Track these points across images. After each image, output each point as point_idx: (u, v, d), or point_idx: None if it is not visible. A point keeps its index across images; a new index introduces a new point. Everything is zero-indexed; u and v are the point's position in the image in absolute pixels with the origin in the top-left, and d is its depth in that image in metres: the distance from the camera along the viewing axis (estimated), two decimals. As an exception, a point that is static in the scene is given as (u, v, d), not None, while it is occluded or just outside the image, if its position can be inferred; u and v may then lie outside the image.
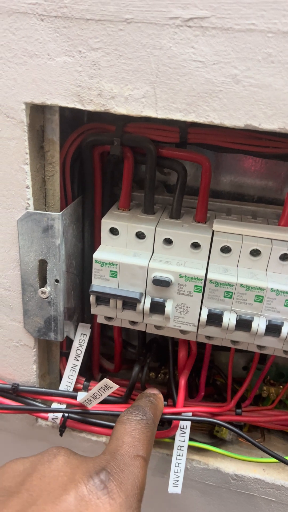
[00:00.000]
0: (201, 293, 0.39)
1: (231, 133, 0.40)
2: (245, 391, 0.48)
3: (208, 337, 0.43)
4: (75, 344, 0.48)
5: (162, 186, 0.49)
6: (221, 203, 0.46)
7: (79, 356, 0.48)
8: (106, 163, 0.43)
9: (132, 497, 0.27)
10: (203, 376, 0.48)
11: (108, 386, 0.40)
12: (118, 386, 0.39)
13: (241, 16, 0.29)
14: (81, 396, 0.45)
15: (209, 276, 0.38)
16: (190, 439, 0.47)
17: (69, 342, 0.48)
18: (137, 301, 0.40)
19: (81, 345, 0.48)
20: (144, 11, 0.30)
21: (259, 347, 0.42)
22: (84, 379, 0.49)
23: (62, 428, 0.46)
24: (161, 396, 0.40)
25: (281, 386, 0.50)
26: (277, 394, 0.49)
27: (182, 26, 0.30)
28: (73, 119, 0.42)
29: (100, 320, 0.45)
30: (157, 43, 0.31)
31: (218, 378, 0.54)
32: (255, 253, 0.39)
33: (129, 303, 0.40)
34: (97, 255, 0.40)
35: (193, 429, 0.49)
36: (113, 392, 0.46)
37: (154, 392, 0.40)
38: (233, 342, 0.42)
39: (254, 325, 0.39)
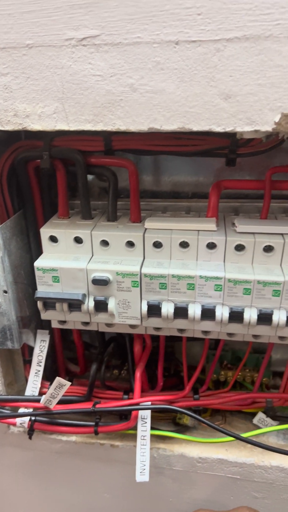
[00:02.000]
0: (139, 288, 0.42)
1: (151, 137, 0.43)
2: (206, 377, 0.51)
3: (156, 329, 0.45)
4: (36, 351, 0.50)
5: (104, 192, 0.52)
6: (158, 202, 0.49)
7: (41, 362, 0.50)
8: (41, 176, 0.46)
9: None
10: (160, 367, 0.51)
11: (61, 384, 0.42)
12: (70, 383, 0.42)
13: (127, 31, 0.32)
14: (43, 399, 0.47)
15: (143, 270, 0.41)
16: (154, 428, 0.49)
17: (31, 349, 0.51)
18: (81, 302, 0.42)
19: (41, 351, 0.50)
20: (42, 36, 0.33)
21: (204, 332, 0.45)
22: (49, 383, 0.51)
23: (31, 431, 0.48)
24: None
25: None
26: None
27: (77, 45, 0.33)
28: (7, 139, 0.45)
29: (54, 324, 0.47)
30: (58, 63, 0.34)
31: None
32: (184, 245, 0.42)
33: (74, 304, 0.43)
34: (38, 263, 0.42)
35: (156, 419, 0.51)
36: (75, 392, 0.49)
37: None
38: (179, 330, 0.45)
39: (190, 312, 0.41)
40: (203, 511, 0.30)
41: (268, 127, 0.33)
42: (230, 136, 0.42)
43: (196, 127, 0.34)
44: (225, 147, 0.42)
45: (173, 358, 0.56)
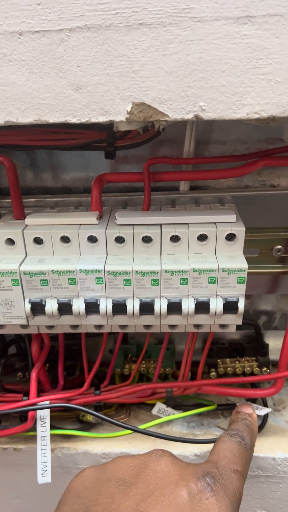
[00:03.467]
0: (20, 286, 0.41)
1: (27, 132, 0.42)
2: (113, 372, 0.51)
3: (48, 327, 0.45)
4: None
5: (-5, 191, 0.51)
6: (49, 198, 0.49)
7: None
8: None
9: (235, 503, 0.29)
10: (60, 366, 0.50)
11: None
12: None
13: None
14: None
15: (22, 268, 0.40)
16: (59, 428, 0.48)
17: None
18: None
19: None
20: None
21: (96, 326, 0.44)
22: None
23: None
24: (255, 416, 0.42)
25: (143, 362, 0.53)
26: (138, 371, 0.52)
27: None
28: None
29: None
30: None
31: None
32: (66, 239, 0.41)
33: None
34: None
35: (60, 418, 0.51)
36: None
37: (249, 412, 0.42)
38: (72, 327, 0.45)
39: (74, 307, 0.41)
40: (122, 458, 0.32)
41: (122, 117, 0.33)
42: (107, 129, 0.42)
43: (51, 119, 0.33)
44: (103, 140, 0.42)
45: (78, 357, 0.55)
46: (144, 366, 0.52)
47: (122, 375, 0.53)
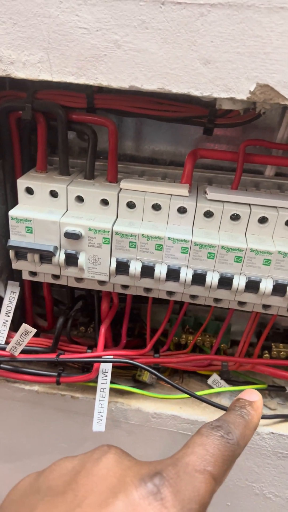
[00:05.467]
0: (110, 245, 0.43)
1: (134, 99, 0.44)
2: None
3: (124, 287, 0.47)
4: (5, 302, 0.51)
5: (83, 152, 0.53)
6: (136, 166, 0.51)
7: (9, 312, 0.51)
8: (23, 129, 0.46)
9: (192, 510, 0.23)
10: (125, 326, 0.53)
11: (27, 331, 0.44)
12: (36, 330, 0.43)
13: (115, -14, 0.33)
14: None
15: (115, 228, 0.42)
16: (115, 383, 0.51)
17: (0, 300, 0.52)
18: (52, 253, 0.43)
19: (11, 302, 0.51)
20: (32, -18, 0.34)
21: (168, 293, 0.47)
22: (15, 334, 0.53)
23: (-5, 377, 0.50)
24: (260, 404, 0.33)
25: (200, 335, 0.55)
26: (194, 341, 0.54)
27: (66, -5, 0.34)
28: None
29: (25, 276, 0.48)
30: (46, 12, 0.34)
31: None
32: (156, 207, 0.43)
33: (45, 256, 0.44)
34: (13, 212, 0.43)
35: (117, 375, 0.54)
36: (41, 343, 0.50)
37: (252, 400, 0.33)
38: (145, 290, 0.47)
39: (156, 272, 0.43)
40: (62, 460, 0.27)
41: (243, 96, 0.34)
42: (209, 106, 0.44)
43: (175, 89, 0.35)
44: (204, 116, 0.44)
45: (138, 320, 0.58)
46: (200, 338, 0.55)
47: (178, 344, 0.56)
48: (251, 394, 0.33)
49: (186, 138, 0.51)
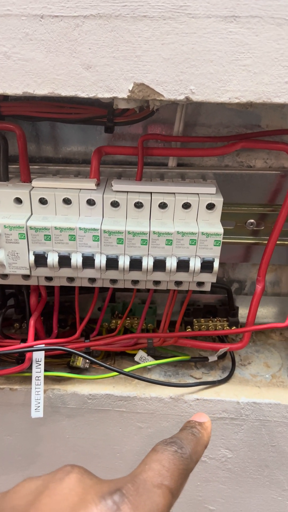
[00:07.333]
0: (26, 240, 0.46)
1: (37, 104, 0.47)
2: (101, 327, 0.57)
3: (47, 279, 0.51)
4: None
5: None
6: (51, 166, 0.54)
7: None
8: None
9: None
10: (55, 316, 0.56)
11: None
12: None
13: (-2, 3, 0.36)
14: None
15: (29, 223, 0.46)
16: (50, 371, 0.55)
17: None
18: (-28, 253, 0.46)
19: None
20: None
21: (90, 280, 0.50)
22: None
23: None
24: (208, 424, 0.36)
25: (128, 318, 0.59)
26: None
27: None
28: None
29: None
30: None
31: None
32: (67, 201, 0.47)
33: None
34: None
35: (52, 365, 0.57)
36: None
37: (201, 421, 0.36)
38: (68, 279, 0.51)
39: (73, 261, 0.47)
40: (26, 481, 0.28)
41: (124, 94, 0.39)
42: (108, 107, 0.48)
43: (64, 93, 0.39)
44: (104, 116, 0.48)
45: (70, 312, 0.61)
46: (129, 321, 0.59)
47: (109, 330, 0.59)
48: (200, 416, 0.37)
49: (95, 137, 0.55)
